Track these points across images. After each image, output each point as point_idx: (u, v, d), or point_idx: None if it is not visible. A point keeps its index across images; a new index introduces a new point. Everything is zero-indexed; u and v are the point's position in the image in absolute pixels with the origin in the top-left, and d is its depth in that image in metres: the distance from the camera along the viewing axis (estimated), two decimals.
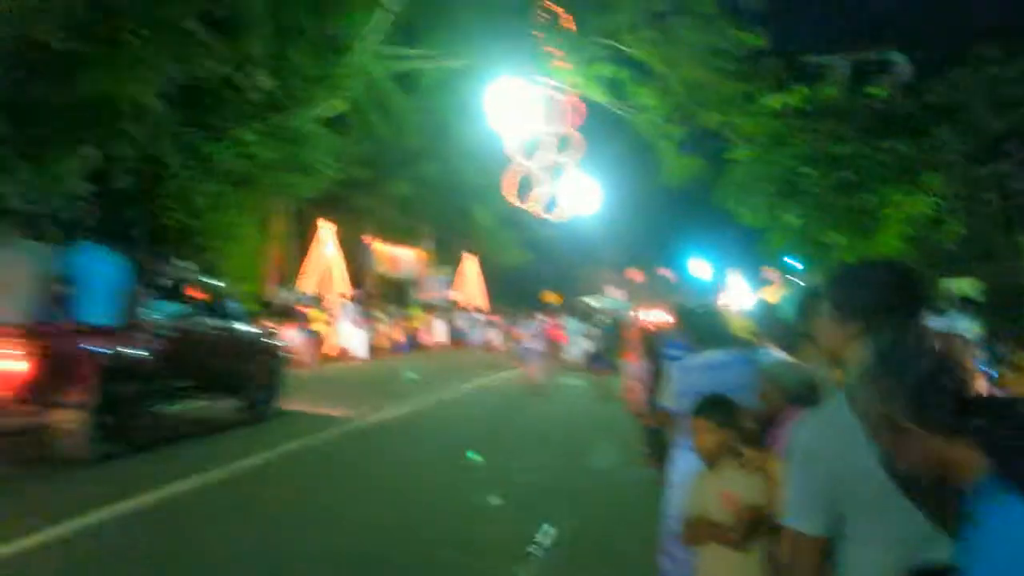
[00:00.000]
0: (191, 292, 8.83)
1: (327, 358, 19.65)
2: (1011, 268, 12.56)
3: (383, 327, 24.41)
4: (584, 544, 5.59)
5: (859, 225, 15.93)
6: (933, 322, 9.56)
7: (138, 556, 4.84)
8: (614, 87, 20.67)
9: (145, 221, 12.89)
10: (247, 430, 9.23)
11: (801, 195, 16.92)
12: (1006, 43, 13.83)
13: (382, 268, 28.69)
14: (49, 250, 7.13)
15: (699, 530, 2.80)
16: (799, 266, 22.38)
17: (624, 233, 39.00)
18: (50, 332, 6.76)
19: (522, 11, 19.66)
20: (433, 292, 31.39)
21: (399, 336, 25.42)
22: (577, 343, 20.72)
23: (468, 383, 16.31)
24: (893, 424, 1.42)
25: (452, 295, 33.41)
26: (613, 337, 18.57)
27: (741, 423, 2.87)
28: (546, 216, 26.57)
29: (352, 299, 23.00)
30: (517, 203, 24.57)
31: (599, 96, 21.14)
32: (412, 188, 25.61)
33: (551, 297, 34.21)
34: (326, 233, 24.07)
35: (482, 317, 31.78)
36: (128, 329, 7.40)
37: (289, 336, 14.84)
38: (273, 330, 11.75)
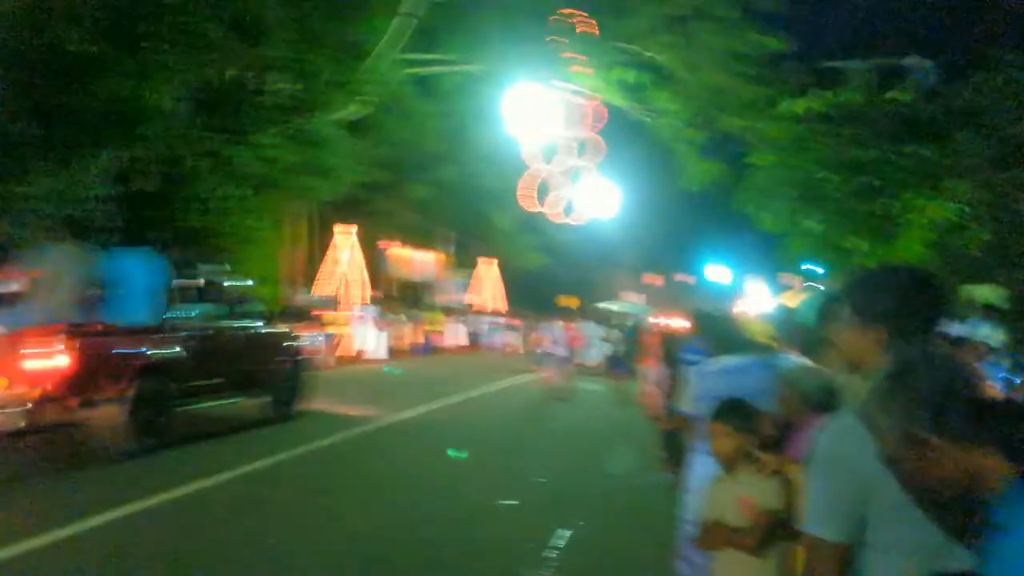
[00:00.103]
0: (220, 293, 9.08)
1: (344, 360, 19.74)
2: None
3: (400, 330, 24.50)
4: (600, 548, 5.57)
5: (880, 231, 15.77)
6: (955, 329, 9.45)
7: (158, 551, 4.92)
8: (634, 91, 20.63)
9: (165, 223, 13.01)
10: (271, 428, 9.48)
11: (822, 200, 16.79)
12: None
13: (400, 271, 28.80)
14: (88, 253, 7.40)
15: (715, 535, 2.78)
16: (819, 271, 22.22)
17: (643, 237, 38.92)
18: (88, 332, 7.02)
19: (541, 16, 19.68)
20: (450, 295, 31.47)
21: (416, 339, 25.50)
22: (595, 347, 20.67)
23: (486, 386, 16.32)
24: (916, 439, 1.40)
25: (469, 298, 33.47)
26: (631, 342, 18.53)
27: (759, 428, 2.85)
28: (564, 220, 26.57)
29: (370, 302, 23.11)
30: (535, 207, 24.59)
31: (619, 100, 21.12)
32: (430, 192, 25.71)
33: (568, 301, 34.18)
34: (344, 236, 24.20)
35: (499, 320, 31.80)
36: (162, 329, 7.72)
37: (307, 338, 14.93)
38: (297, 331, 11.92)
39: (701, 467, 3.38)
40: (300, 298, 20.67)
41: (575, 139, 22.79)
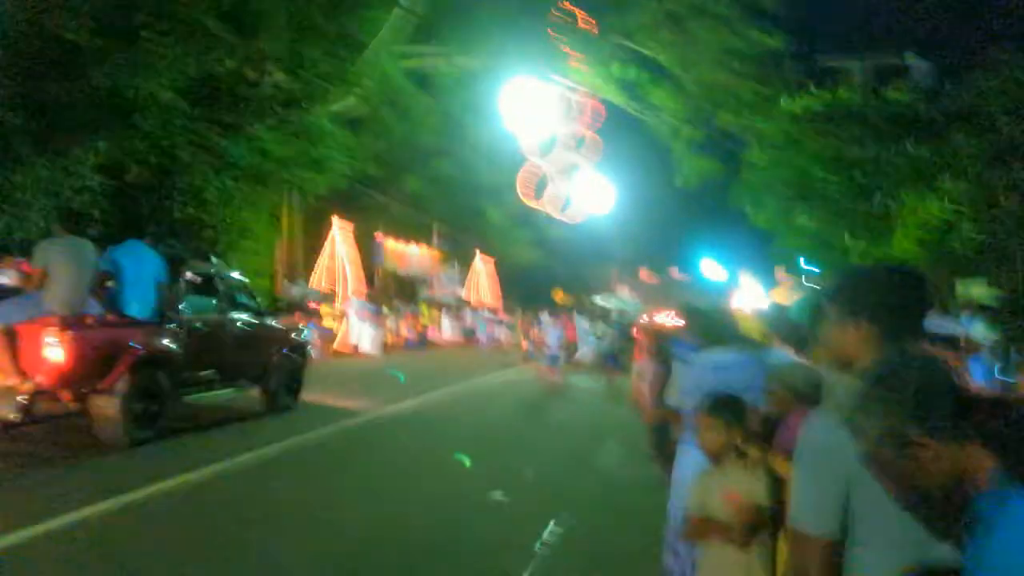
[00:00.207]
0: (220, 287, 9.19)
1: (337, 354, 19.73)
2: None
3: (393, 324, 24.49)
4: (589, 542, 5.59)
5: (875, 229, 15.82)
6: (949, 326, 9.49)
7: (147, 544, 4.92)
8: (631, 88, 20.64)
9: (158, 215, 12.97)
10: (268, 420, 9.58)
11: (816, 198, 16.83)
12: None
13: (394, 265, 28.77)
14: (92, 246, 7.41)
15: (701, 527, 2.80)
16: (813, 269, 22.29)
17: (637, 233, 38.99)
18: (85, 325, 7.07)
19: (540, 11, 19.66)
20: (444, 290, 31.46)
21: (409, 333, 25.49)
22: (588, 343, 20.71)
23: (477, 381, 16.34)
24: (902, 439, 1.39)
25: (463, 293, 33.47)
26: (624, 337, 18.57)
27: (747, 422, 2.85)
28: (560, 216, 26.58)
29: (363, 296, 23.08)
30: (532, 203, 24.59)
31: (615, 97, 21.12)
32: (425, 186, 25.68)
33: (562, 296, 34.23)
34: (339, 230, 24.16)
35: (493, 315, 31.83)
36: (163, 322, 7.82)
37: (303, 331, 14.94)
38: (295, 325, 12.03)
39: (690, 461, 3.39)
40: (295, 291, 20.64)
41: (573, 135, 22.78)
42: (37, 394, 6.64)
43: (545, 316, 20.44)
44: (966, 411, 1.39)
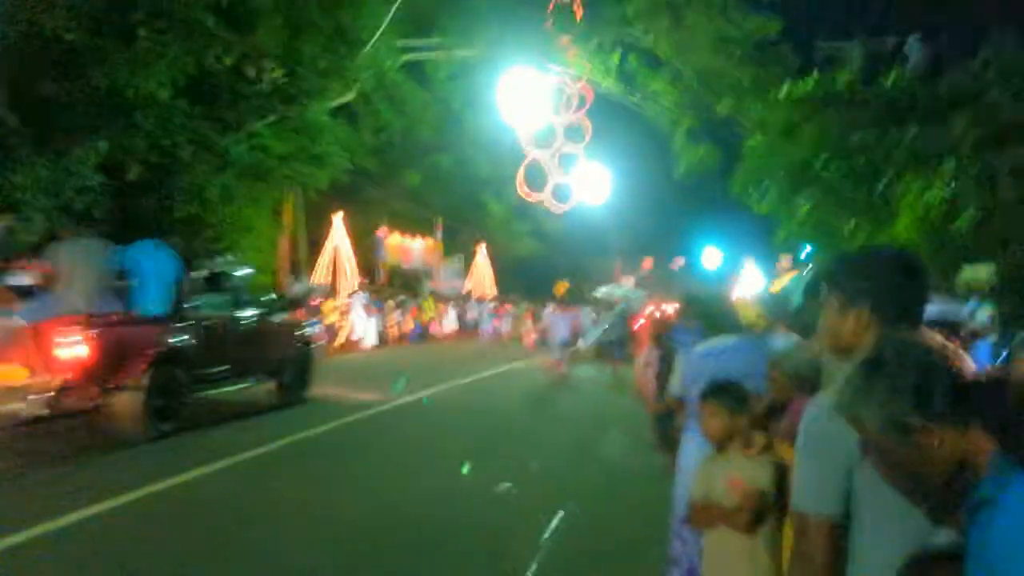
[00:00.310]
0: (231, 283, 9.42)
1: (339, 348, 19.75)
2: None
3: (394, 317, 24.49)
4: (594, 530, 5.61)
5: (873, 213, 15.79)
6: (950, 309, 9.47)
7: (152, 540, 4.93)
8: (626, 76, 20.57)
9: (158, 213, 12.97)
10: (279, 413, 9.76)
11: (815, 183, 16.79)
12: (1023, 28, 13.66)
13: (394, 259, 28.77)
14: (109, 246, 7.65)
15: (705, 513, 2.82)
16: (815, 254, 22.22)
17: (637, 222, 38.91)
18: (106, 323, 7.29)
19: (537, 1, 19.59)
20: (444, 282, 31.45)
21: (410, 326, 25.50)
22: (590, 333, 20.68)
23: (479, 373, 16.34)
24: (902, 425, 1.40)
25: (463, 285, 33.45)
26: (625, 327, 18.55)
27: (750, 408, 2.86)
28: (558, 207, 26.50)
29: (364, 289, 23.09)
30: (530, 195, 24.52)
31: (611, 85, 21.04)
32: (424, 179, 25.64)
33: (563, 287, 34.17)
34: (338, 224, 24.15)
35: (492, 307, 31.79)
36: (176, 319, 8.02)
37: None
38: (305, 320, 12.15)
39: (693, 448, 3.40)
40: (297, 287, 20.65)
41: (569, 124, 22.72)
42: (62, 391, 6.86)
43: (551, 308, 20.41)
44: (965, 395, 1.39)
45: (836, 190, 16.34)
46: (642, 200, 33.94)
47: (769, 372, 2.98)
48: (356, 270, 24.56)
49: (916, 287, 1.83)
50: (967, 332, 8.38)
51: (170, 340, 7.86)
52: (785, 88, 17.05)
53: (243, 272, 10.09)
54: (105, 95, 11.76)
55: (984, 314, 10.30)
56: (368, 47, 16.32)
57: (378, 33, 16.21)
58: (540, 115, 21.30)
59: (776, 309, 3.82)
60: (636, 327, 16.98)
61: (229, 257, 10.30)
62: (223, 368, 8.86)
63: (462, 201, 29.23)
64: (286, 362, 10.14)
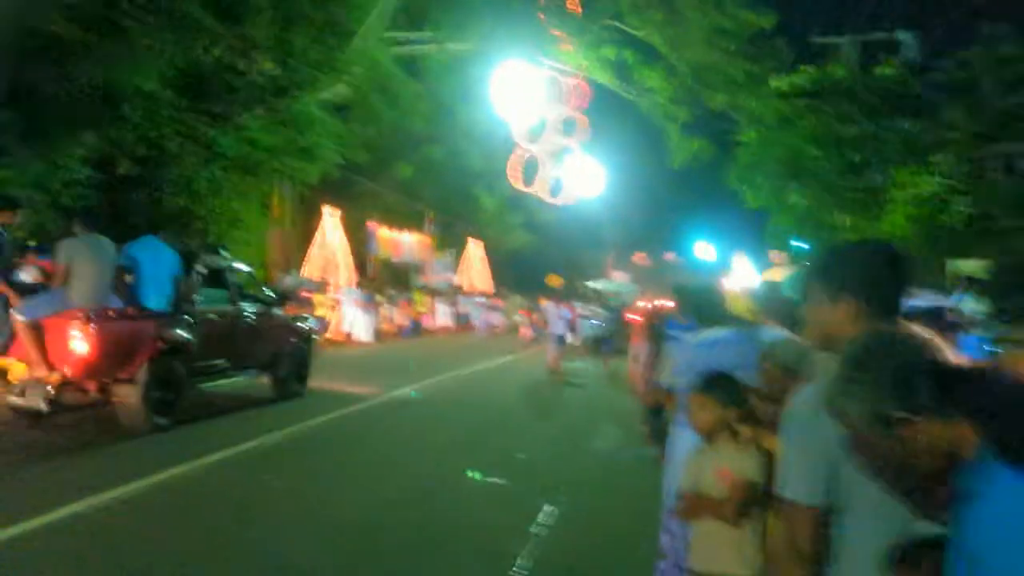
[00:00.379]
0: (230, 279, 9.49)
1: (332, 343, 19.71)
2: (1017, 246, 12.47)
3: (387, 311, 24.45)
4: (585, 523, 5.63)
5: (865, 206, 15.85)
6: (940, 302, 9.49)
7: (149, 534, 4.92)
8: (621, 69, 20.56)
9: (148, 207, 12.89)
10: (278, 406, 9.81)
11: (808, 176, 16.84)
12: (1016, 21, 13.69)
13: (386, 253, 28.69)
14: (111, 242, 7.68)
15: (694, 505, 2.81)
16: (805, 247, 22.31)
17: (630, 216, 38.96)
18: (108, 316, 7.36)
19: None
20: (437, 276, 31.39)
21: (403, 320, 25.46)
22: (583, 327, 20.71)
23: (472, 367, 16.37)
24: (888, 419, 1.39)
25: (456, 279, 33.41)
26: (618, 320, 18.58)
27: (742, 400, 2.86)
28: (551, 200, 26.50)
29: (357, 284, 23.03)
30: (523, 187, 24.50)
31: (606, 79, 21.02)
32: (416, 172, 25.56)
33: (556, 281, 34.17)
34: (330, 218, 24.05)
35: (485, 301, 31.78)
36: (178, 313, 8.11)
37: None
38: (304, 314, 12.15)
39: (683, 441, 3.40)
40: (288, 281, 20.57)
41: (562, 118, 22.70)
42: (64, 385, 6.98)
43: (546, 301, 20.37)
44: (948, 386, 1.38)
45: (826, 181, 16.39)
46: (634, 194, 33.96)
47: (761, 364, 2.97)
48: (351, 264, 24.48)
49: (899, 278, 1.83)
50: (955, 324, 8.41)
51: (170, 334, 7.93)
52: (779, 81, 17.08)
53: (240, 267, 10.15)
54: (92, 88, 11.66)
55: (971, 307, 10.34)
56: (358, 38, 16.23)
57: (367, 21, 16.11)
58: (533, 108, 21.27)
59: (766, 301, 3.81)
60: (628, 320, 17.01)
61: (224, 252, 10.23)
62: (221, 361, 8.98)
63: (454, 194, 29.15)
64: (284, 355, 10.24)
